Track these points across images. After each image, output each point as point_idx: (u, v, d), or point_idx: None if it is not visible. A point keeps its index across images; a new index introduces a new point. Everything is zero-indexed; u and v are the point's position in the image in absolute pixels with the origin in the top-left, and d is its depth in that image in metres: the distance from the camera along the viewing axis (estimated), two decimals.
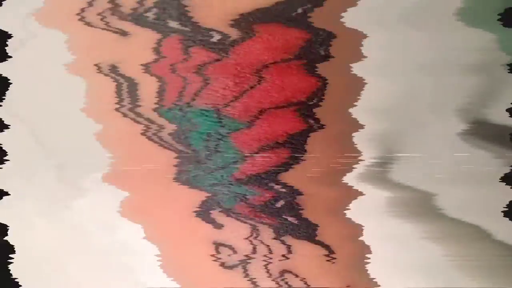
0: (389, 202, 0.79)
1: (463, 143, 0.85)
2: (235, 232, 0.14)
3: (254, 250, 0.12)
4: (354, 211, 0.61)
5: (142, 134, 0.13)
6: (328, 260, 0.15)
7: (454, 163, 0.84)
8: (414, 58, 0.83)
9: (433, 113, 0.85)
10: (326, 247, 0.13)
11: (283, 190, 0.13)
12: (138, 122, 0.13)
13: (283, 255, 0.12)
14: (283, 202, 0.14)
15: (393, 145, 0.85)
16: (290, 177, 0.13)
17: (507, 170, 0.74)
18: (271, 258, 0.12)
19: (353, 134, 0.77)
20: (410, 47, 0.83)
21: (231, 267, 0.12)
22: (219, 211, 0.12)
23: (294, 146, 0.12)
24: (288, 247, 0.13)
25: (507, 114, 0.82)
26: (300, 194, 0.13)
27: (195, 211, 0.13)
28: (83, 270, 0.90)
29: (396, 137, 0.85)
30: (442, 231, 0.73)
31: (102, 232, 0.88)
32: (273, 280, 0.12)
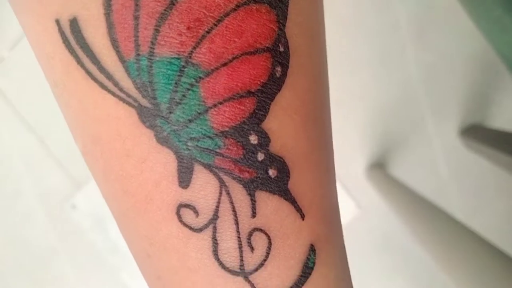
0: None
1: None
2: (205, 190, 0.12)
3: (226, 209, 0.11)
4: None
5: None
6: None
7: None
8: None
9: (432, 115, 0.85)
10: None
11: (263, 140, 0.11)
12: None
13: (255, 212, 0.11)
14: (264, 156, 0.12)
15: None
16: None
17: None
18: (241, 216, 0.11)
19: None
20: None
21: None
22: (195, 169, 0.11)
23: (266, 95, 0.11)
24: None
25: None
26: None
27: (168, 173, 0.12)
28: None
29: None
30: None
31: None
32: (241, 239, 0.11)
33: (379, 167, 0.84)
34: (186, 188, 0.12)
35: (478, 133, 0.80)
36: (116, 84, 0.11)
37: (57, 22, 0.11)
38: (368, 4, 0.78)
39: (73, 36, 0.10)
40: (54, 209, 0.89)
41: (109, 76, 0.11)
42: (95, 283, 0.92)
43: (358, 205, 0.84)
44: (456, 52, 0.81)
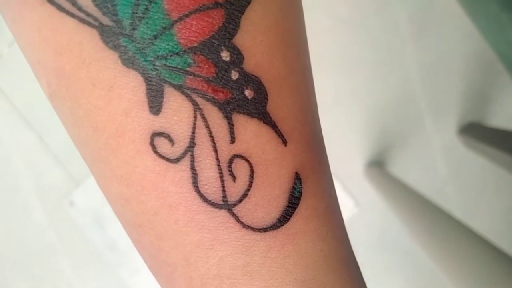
0: None
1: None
2: (178, 114, 0.11)
3: (203, 135, 0.10)
4: None
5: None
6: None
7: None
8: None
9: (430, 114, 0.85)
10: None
11: (236, 57, 0.11)
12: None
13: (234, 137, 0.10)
14: (238, 74, 0.11)
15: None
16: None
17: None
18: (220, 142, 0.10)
19: None
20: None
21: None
22: (166, 91, 0.10)
23: (235, 7, 0.10)
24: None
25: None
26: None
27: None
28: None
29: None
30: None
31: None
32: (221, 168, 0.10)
33: (377, 166, 0.84)
34: (158, 114, 0.11)
35: (476, 131, 0.80)
36: (74, 3, 0.10)
37: None
38: (368, 3, 0.78)
39: None
40: (52, 205, 0.90)
41: None
42: (93, 279, 0.93)
43: (356, 203, 0.84)
44: (455, 52, 0.81)
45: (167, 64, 0.10)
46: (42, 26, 0.10)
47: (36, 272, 0.93)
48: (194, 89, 0.10)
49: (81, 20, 0.10)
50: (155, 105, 0.10)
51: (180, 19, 0.10)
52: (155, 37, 0.10)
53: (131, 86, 0.10)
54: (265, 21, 0.11)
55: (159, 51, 0.10)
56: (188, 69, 0.10)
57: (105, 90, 0.10)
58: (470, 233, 0.57)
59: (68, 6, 0.10)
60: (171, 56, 0.10)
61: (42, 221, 0.91)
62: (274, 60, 0.11)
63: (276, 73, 0.11)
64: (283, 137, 0.12)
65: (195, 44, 0.10)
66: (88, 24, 0.10)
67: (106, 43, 0.10)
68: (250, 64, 0.11)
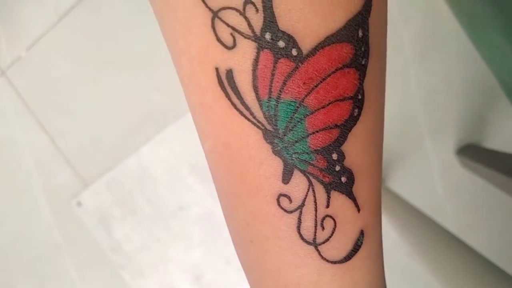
0: None
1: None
2: (298, 186, 0.20)
3: (311, 200, 0.17)
4: None
5: None
6: None
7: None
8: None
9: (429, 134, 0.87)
10: None
11: (340, 157, 0.18)
12: None
13: None
14: (339, 167, 0.20)
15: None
16: None
17: None
18: None
19: None
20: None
21: None
22: (294, 172, 0.19)
23: (346, 128, 0.16)
24: None
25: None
26: None
27: None
28: None
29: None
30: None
31: None
32: None
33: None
34: (287, 184, 0.17)
35: (474, 152, 0.83)
36: (251, 113, 0.16)
37: (216, 69, 0.16)
38: None
39: (226, 80, 0.16)
40: (60, 205, 0.91)
41: (247, 108, 0.16)
42: (96, 280, 0.94)
43: None
44: (456, 76, 0.85)
45: (299, 157, 0.17)
46: (224, 118, 0.16)
47: (40, 271, 0.94)
48: (312, 173, 0.17)
49: (253, 123, 0.16)
50: (286, 178, 0.17)
51: (313, 133, 0.16)
52: (296, 141, 0.16)
53: (274, 165, 0.17)
54: (363, 134, 0.17)
55: (296, 150, 0.17)
56: (311, 161, 0.17)
57: (257, 164, 0.17)
58: (466, 249, 0.59)
59: (247, 114, 0.16)
60: (302, 153, 0.17)
61: (49, 220, 0.92)
62: (363, 158, 0.18)
63: (363, 167, 0.18)
64: (358, 207, 0.18)
65: (319, 148, 0.17)
66: (257, 127, 0.16)
67: (265, 139, 0.17)
68: (348, 162, 0.17)
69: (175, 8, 0.16)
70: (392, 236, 0.83)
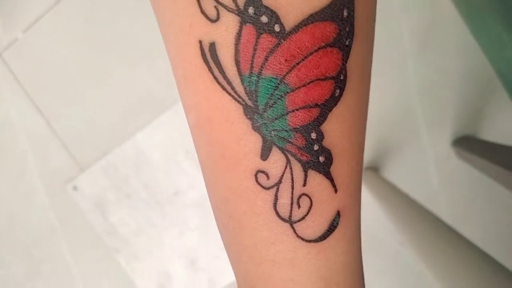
0: None
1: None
2: (276, 163, 0.21)
3: (288, 178, 0.18)
4: None
5: None
6: None
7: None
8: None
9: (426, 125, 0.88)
10: None
11: (319, 137, 0.18)
12: None
13: None
14: (318, 147, 0.20)
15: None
16: None
17: None
18: None
19: None
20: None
21: None
22: (273, 149, 0.19)
23: (327, 107, 0.17)
24: None
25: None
26: None
27: None
28: None
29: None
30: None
31: None
32: None
33: (373, 170, 0.87)
34: (265, 160, 0.17)
35: (470, 144, 0.83)
36: (232, 88, 0.16)
37: (200, 42, 0.16)
38: None
39: (209, 53, 0.16)
40: (56, 189, 0.91)
41: (229, 82, 0.16)
42: (91, 264, 0.94)
43: None
44: (453, 67, 0.85)
45: (278, 135, 0.17)
46: (206, 91, 0.17)
47: (35, 254, 0.95)
48: (290, 151, 0.17)
49: (234, 98, 0.16)
50: (265, 155, 0.17)
51: (293, 111, 0.16)
52: (276, 118, 0.17)
53: (253, 141, 0.17)
54: (343, 114, 0.17)
55: (275, 127, 0.17)
56: (289, 139, 0.17)
57: (237, 139, 0.17)
58: (460, 238, 0.60)
59: (228, 88, 0.16)
60: (281, 131, 0.17)
61: (44, 203, 0.92)
62: (342, 139, 0.18)
63: (342, 147, 0.18)
64: (335, 187, 0.18)
65: (298, 126, 0.17)
66: (238, 102, 0.16)
67: (246, 114, 0.17)
68: (327, 142, 0.17)
69: None
70: (386, 225, 0.83)
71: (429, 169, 0.89)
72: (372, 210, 0.86)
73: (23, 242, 0.95)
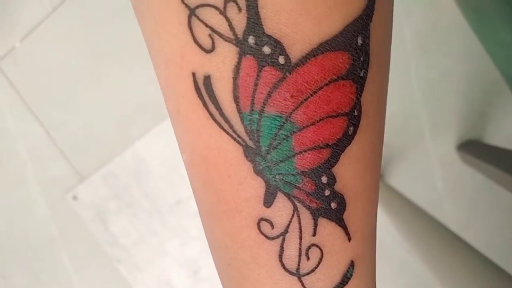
0: None
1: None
2: (282, 211, 0.18)
3: (295, 227, 0.16)
4: None
5: None
6: None
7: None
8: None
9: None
10: None
11: (331, 181, 0.17)
12: None
13: None
14: (329, 192, 0.18)
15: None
16: None
17: None
18: None
19: None
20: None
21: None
22: (278, 195, 0.17)
23: (339, 148, 0.15)
24: None
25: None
26: None
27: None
28: None
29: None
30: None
31: None
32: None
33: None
34: (269, 207, 0.16)
35: (475, 148, 0.82)
36: (231, 127, 0.14)
37: (193, 74, 0.14)
38: None
39: (204, 87, 0.14)
40: (56, 199, 0.90)
41: (226, 120, 0.14)
42: (92, 274, 0.93)
43: None
44: (458, 70, 0.84)
45: (284, 179, 0.15)
46: (201, 129, 0.15)
47: (35, 264, 0.94)
48: (297, 197, 0.15)
49: (233, 138, 0.14)
50: (268, 201, 0.15)
51: (300, 152, 0.15)
52: (281, 161, 0.15)
53: (255, 186, 0.15)
54: (357, 155, 0.15)
55: (281, 170, 0.15)
56: (297, 184, 0.15)
57: (236, 183, 0.15)
58: (465, 246, 0.59)
59: (226, 126, 0.14)
60: (287, 175, 0.15)
61: (44, 213, 0.91)
62: (356, 182, 0.16)
63: (356, 191, 0.16)
64: (349, 235, 0.16)
65: (306, 170, 0.15)
66: (238, 142, 0.15)
67: (246, 156, 0.15)
68: (339, 186, 0.16)
69: (150, 2, 0.14)
70: (392, 233, 0.82)
71: (433, 174, 0.88)
72: (378, 217, 0.84)
73: (23, 253, 0.93)
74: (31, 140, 0.89)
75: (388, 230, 0.84)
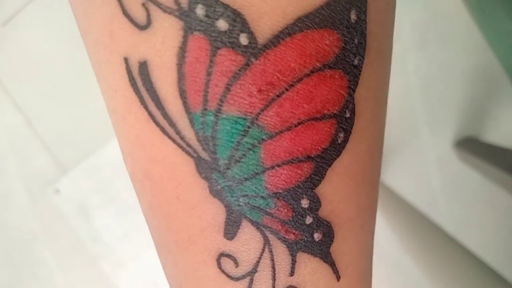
0: None
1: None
2: (248, 244, 0.12)
3: (266, 265, 0.11)
4: None
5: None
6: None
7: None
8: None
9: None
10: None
11: (314, 205, 0.12)
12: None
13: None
14: (312, 219, 0.12)
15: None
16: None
17: None
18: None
19: None
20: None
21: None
22: (243, 224, 0.12)
23: (325, 160, 0.11)
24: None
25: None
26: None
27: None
28: None
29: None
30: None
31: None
32: None
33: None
34: (231, 239, 0.12)
35: (472, 146, 0.81)
36: (178, 132, 0.11)
37: (126, 60, 0.10)
38: None
39: (140, 77, 0.10)
40: (37, 192, 0.87)
41: (172, 124, 0.11)
42: (74, 270, 0.91)
43: None
44: (456, 64, 0.81)
45: (251, 203, 0.11)
46: (141, 136, 0.11)
47: (16, 259, 0.91)
48: (269, 227, 0.12)
49: (181, 147, 0.11)
50: (230, 232, 0.12)
51: (272, 167, 0.11)
52: (246, 179, 0.11)
53: (213, 212, 0.11)
54: (349, 169, 0.12)
55: (246, 191, 0.11)
56: (268, 210, 0.11)
57: (188, 207, 0.12)
58: (460, 248, 0.58)
59: (171, 132, 0.11)
60: (255, 197, 0.11)
61: (25, 207, 0.88)
62: (348, 205, 0.12)
63: (347, 216, 0.12)
64: (338, 273, 0.13)
65: (280, 191, 0.11)
66: (187, 153, 0.11)
67: (200, 172, 0.11)
68: (326, 211, 0.12)
69: None
70: (386, 232, 0.80)
71: (429, 172, 0.86)
72: None
73: (4, 247, 0.91)
74: (12, 130, 0.85)
75: (381, 230, 0.82)
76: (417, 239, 0.67)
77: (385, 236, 0.84)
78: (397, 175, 0.86)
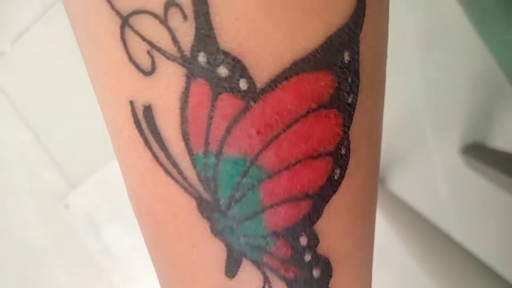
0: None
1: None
2: (249, 283, 0.12)
3: None
4: None
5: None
6: None
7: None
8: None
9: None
10: None
11: (312, 242, 0.12)
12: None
13: None
14: (310, 257, 0.13)
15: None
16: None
17: None
18: None
19: None
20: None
21: None
22: (243, 263, 0.12)
23: (322, 197, 0.11)
24: None
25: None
26: None
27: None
28: None
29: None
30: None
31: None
32: None
33: (377, 182, 0.83)
34: (232, 278, 0.12)
35: (479, 152, 0.80)
36: (180, 172, 0.11)
37: (131, 103, 0.11)
38: None
39: (145, 120, 0.11)
40: (47, 207, 0.88)
41: (174, 164, 0.11)
42: (84, 284, 0.91)
43: None
44: (462, 69, 0.81)
45: (251, 242, 0.12)
46: (145, 174, 0.12)
47: (27, 274, 0.92)
48: (269, 266, 0.12)
49: (183, 187, 0.11)
50: (231, 271, 0.12)
51: (271, 206, 0.11)
52: (246, 218, 0.11)
53: (214, 251, 0.12)
54: (345, 205, 0.12)
55: (246, 231, 0.12)
56: (267, 249, 0.12)
57: (189, 245, 0.12)
58: (466, 254, 0.57)
59: (174, 172, 0.11)
60: (255, 236, 0.12)
61: (35, 222, 0.89)
62: (345, 239, 0.12)
63: (345, 251, 0.13)
64: None
65: (279, 229, 0.12)
66: (189, 193, 0.11)
67: (201, 212, 0.12)
68: (323, 246, 0.12)
69: (77, 4, 0.11)
70: (393, 239, 0.80)
71: (436, 178, 0.86)
72: (378, 224, 0.82)
73: (14, 263, 0.91)
74: (21, 146, 0.86)
75: (387, 236, 0.81)
76: (423, 246, 0.67)
77: (391, 242, 0.83)
78: (403, 181, 0.86)
